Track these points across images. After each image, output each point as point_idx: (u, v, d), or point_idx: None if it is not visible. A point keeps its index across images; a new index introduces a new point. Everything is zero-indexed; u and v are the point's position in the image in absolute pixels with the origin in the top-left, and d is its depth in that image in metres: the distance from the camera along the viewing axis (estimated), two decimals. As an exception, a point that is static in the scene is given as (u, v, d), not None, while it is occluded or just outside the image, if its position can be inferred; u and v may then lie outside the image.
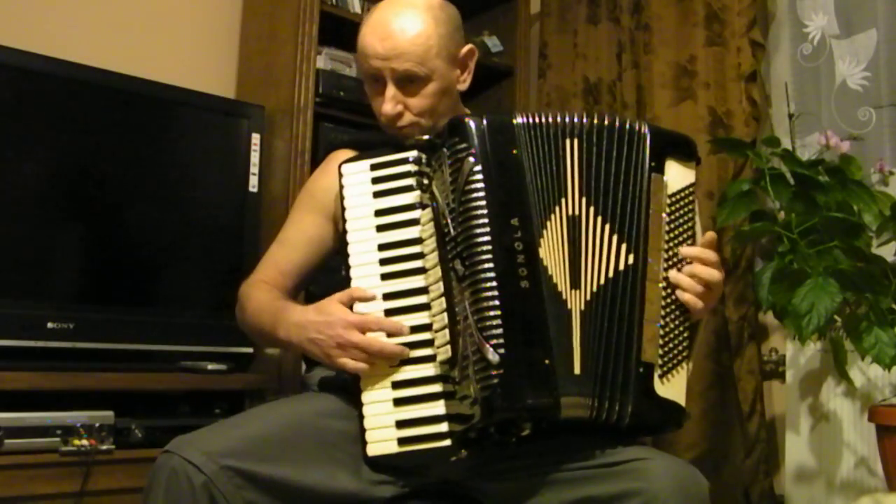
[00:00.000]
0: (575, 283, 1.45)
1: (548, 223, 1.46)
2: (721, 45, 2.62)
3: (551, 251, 1.45)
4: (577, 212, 1.47)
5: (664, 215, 1.49)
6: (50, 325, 2.07)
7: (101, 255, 2.26)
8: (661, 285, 1.47)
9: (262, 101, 2.53)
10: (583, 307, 1.45)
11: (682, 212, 1.52)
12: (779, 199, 2.19)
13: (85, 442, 1.91)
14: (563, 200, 1.48)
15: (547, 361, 1.40)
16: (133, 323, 2.21)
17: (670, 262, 1.49)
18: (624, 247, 1.47)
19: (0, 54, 2.06)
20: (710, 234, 1.52)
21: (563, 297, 1.44)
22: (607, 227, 1.47)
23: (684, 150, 1.55)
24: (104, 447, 1.94)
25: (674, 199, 1.51)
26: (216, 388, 2.22)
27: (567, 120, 1.50)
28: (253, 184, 2.45)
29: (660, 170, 1.51)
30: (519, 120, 1.50)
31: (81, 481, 1.90)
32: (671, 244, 1.50)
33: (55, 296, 2.15)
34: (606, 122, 1.51)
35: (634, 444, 1.48)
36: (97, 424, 1.94)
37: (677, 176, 1.52)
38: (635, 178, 1.49)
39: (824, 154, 2.24)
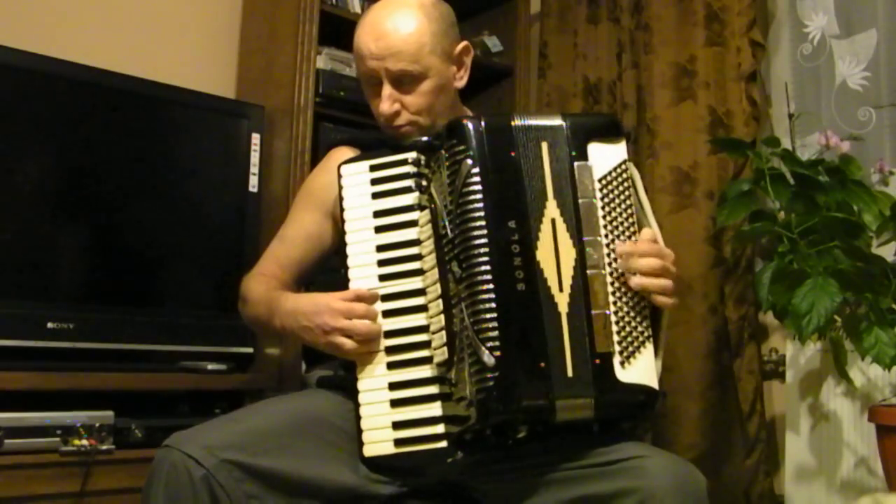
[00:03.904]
0: (560, 286, 1.46)
1: (540, 226, 1.47)
2: (721, 45, 2.61)
3: (544, 254, 1.46)
4: (553, 214, 1.48)
5: (596, 201, 1.49)
6: (50, 325, 2.07)
7: (102, 255, 2.26)
8: (604, 272, 1.47)
9: (262, 101, 2.54)
10: (567, 309, 1.45)
11: (617, 191, 1.51)
12: (779, 199, 2.18)
13: (85, 442, 1.91)
14: (547, 203, 1.48)
15: (542, 364, 1.41)
16: (133, 323, 2.21)
17: (613, 246, 1.48)
18: (570, 242, 1.47)
19: (0, 54, 2.07)
20: (647, 232, 1.50)
21: (555, 299, 1.45)
22: (565, 225, 1.48)
23: (605, 130, 1.54)
24: (104, 447, 1.94)
25: (604, 181, 1.51)
26: (216, 387, 2.23)
27: (541, 123, 1.51)
28: (253, 184, 2.45)
29: (582, 157, 1.50)
30: (517, 122, 1.50)
31: (81, 481, 1.90)
32: (610, 227, 1.49)
33: (55, 296, 2.15)
34: (542, 123, 1.51)
35: (632, 442, 1.48)
36: (97, 424, 1.94)
37: (603, 158, 1.52)
38: (564, 171, 1.50)
39: (824, 154, 2.23)
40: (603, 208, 1.49)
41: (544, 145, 1.50)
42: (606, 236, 1.48)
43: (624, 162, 1.53)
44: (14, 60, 2.09)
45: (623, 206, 1.51)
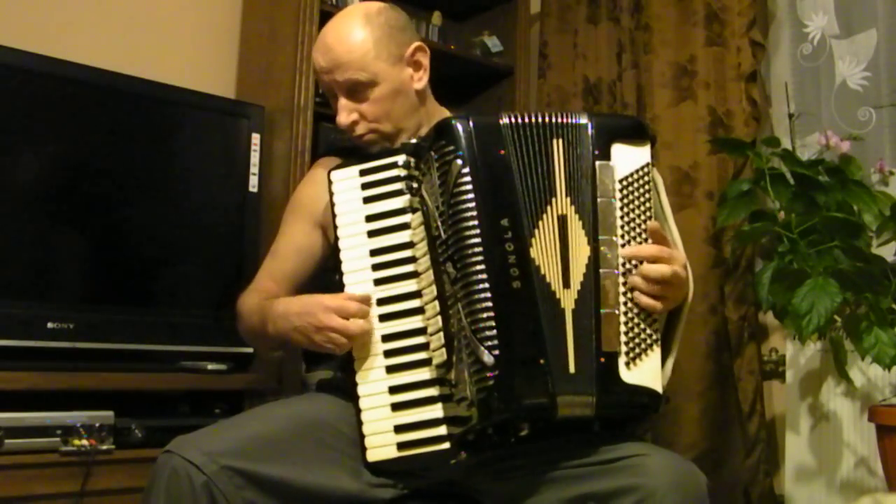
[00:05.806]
0: (566, 282, 1.45)
1: (539, 223, 1.47)
2: (721, 45, 2.61)
3: (544, 251, 1.46)
4: (564, 211, 1.48)
5: (615, 201, 1.49)
6: (50, 325, 2.07)
7: (102, 255, 2.26)
8: (617, 272, 1.46)
9: (262, 101, 2.53)
10: (574, 305, 1.45)
11: (637, 193, 1.50)
12: (779, 199, 2.19)
13: (85, 442, 1.91)
14: (553, 200, 1.48)
15: (542, 361, 1.41)
16: (133, 323, 2.21)
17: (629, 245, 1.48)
18: (585, 239, 1.47)
19: (0, 54, 2.07)
20: (652, 225, 1.49)
21: (557, 296, 1.45)
22: (580, 223, 1.48)
23: (631, 133, 1.54)
24: (104, 447, 1.94)
25: (625, 182, 1.50)
26: (216, 388, 2.22)
27: (550, 120, 1.51)
28: (253, 184, 2.45)
29: (605, 156, 1.50)
30: (505, 120, 1.50)
31: (81, 481, 1.90)
32: (627, 228, 1.48)
33: (55, 296, 2.15)
34: (560, 120, 1.51)
35: (633, 441, 1.48)
36: (97, 424, 1.94)
37: (627, 159, 1.51)
38: (585, 169, 1.49)
39: (824, 154, 2.24)
40: (622, 209, 1.49)
41: (557, 142, 1.50)
42: (623, 237, 1.48)
43: (647, 165, 1.52)
44: (14, 60, 2.09)
45: (642, 208, 1.50)
